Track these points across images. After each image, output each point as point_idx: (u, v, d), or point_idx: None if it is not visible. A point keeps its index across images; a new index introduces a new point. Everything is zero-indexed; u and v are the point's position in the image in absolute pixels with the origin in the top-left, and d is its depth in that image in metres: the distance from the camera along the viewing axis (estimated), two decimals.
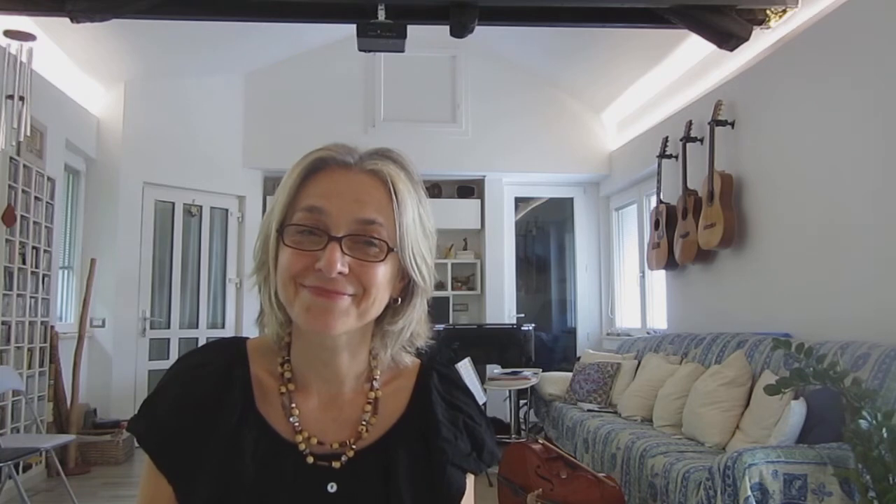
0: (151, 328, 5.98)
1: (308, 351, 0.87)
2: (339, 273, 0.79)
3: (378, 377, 0.91)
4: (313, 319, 0.80)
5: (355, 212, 0.81)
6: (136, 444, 5.55)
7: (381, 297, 0.83)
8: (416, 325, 0.90)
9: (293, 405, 0.87)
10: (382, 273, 0.82)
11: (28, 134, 4.19)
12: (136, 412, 0.88)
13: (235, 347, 0.91)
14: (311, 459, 0.85)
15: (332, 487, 0.84)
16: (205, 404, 0.85)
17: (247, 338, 0.94)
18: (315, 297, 0.80)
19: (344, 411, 0.89)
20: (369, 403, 0.90)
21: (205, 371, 0.87)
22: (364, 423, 0.89)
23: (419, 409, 0.92)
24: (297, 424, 0.86)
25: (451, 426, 0.92)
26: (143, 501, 0.86)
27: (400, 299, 0.87)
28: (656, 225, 5.15)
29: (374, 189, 0.83)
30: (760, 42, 4.09)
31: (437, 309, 6.05)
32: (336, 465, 0.85)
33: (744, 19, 3.81)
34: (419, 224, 0.85)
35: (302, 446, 0.85)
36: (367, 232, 0.81)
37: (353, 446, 0.87)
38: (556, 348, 7.16)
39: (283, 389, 0.88)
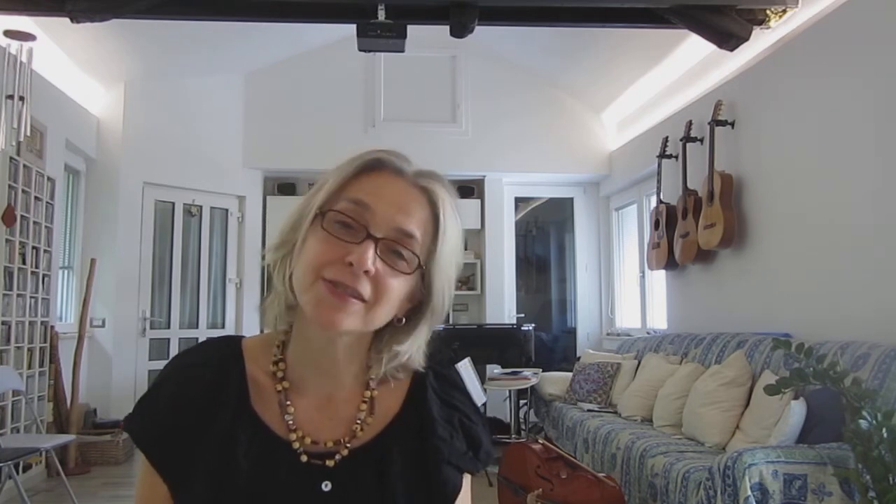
0: (151, 328, 5.98)
1: (306, 348, 0.87)
2: (366, 272, 0.79)
3: (374, 376, 0.91)
4: (322, 313, 0.79)
5: (399, 220, 0.82)
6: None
7: (389, 310, 0.84)
8: (416, 352, 0.89)
9: (288, 403, 0.87)
10: (400, 287, 0.83)
11: (28, 134, 4.20)
12: (131, 411, 0.88)
13: (230, 346, 0.91)
14: (304, 458, 0.84)
15: (326, 486, 0.84)
16: (199, 403, 0.85)
17: (242, 336, 0.94)
18: (329, 295, 0.79)
19: (339, 410, 0.89)
20: (365, 402, 0.90)
21: (199, 370, 0.87)
22: (359, 421, 0.88)
23: (415, 407, 0.92)
24: (291, 423, 0.86)
25: (446, 425, 0.92)
26: (139, 501, 0.87)
27: (404, 319, 0.87)
28: (656, 225, 5.15)
29: (419, 205, 0.84)
30: (760, 42, 4.09)
31: None
32: (330, 463, 0.85)
33: (744, 19, 3.82)
34: (455, 252, 0.87)
35: (296, 445, 0.85)
36: (403, 243, 0.82)
37: (348, 445, 0.87)
38: (556, 348, 7.16)
39: (279, 388, 0.88)
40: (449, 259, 0.85)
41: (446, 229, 0.84)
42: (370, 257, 0.79)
